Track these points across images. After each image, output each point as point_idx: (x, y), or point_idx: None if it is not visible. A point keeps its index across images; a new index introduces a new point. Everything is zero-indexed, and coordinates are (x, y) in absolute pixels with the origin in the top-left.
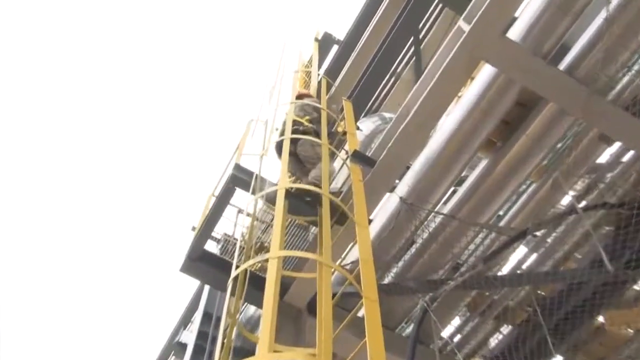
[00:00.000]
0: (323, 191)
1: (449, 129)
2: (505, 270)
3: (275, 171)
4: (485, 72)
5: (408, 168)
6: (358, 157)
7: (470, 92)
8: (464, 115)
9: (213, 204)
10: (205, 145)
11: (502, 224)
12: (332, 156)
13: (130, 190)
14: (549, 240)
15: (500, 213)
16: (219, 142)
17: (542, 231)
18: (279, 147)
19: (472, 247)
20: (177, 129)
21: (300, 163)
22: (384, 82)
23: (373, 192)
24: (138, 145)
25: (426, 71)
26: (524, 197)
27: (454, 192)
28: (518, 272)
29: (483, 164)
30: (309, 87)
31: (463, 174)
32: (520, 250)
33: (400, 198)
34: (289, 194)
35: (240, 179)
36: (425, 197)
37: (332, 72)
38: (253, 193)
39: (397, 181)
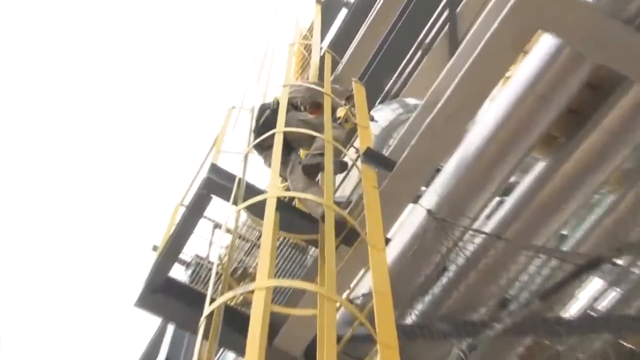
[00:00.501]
0: (326, 201)
1: (494, 121)
2: (572, 311)
3: (264, 174)
4: (544, 45)
5: (438, 171)
6: (372, 157)
7: (523, 72)
8: (514, 102)
9: (182, 217)
10: (173, 138)
11: (566, 247)
12: (339, 155)
13: (69, 190)
14: (635, 271)
15: (564, 232)
16: (191, 134)
17: (625, 259)
18: (259, 144)
19: (524, 278)
20: (135, 115)
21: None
22: (407, 57)
23: (392, 203)
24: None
25: (463, 43)
26: (598, 211)
27: (500, 203)
28: (591, 314)
29: (540, 167)
30: (308, 64)
31: (512, 180)
32: (594, 284)
33: (428, 211)
34: (281, 204)
35: (218, 183)
36: (461, 209)
37: (339, 45)
38: (235, 203)
39: (423, 188)
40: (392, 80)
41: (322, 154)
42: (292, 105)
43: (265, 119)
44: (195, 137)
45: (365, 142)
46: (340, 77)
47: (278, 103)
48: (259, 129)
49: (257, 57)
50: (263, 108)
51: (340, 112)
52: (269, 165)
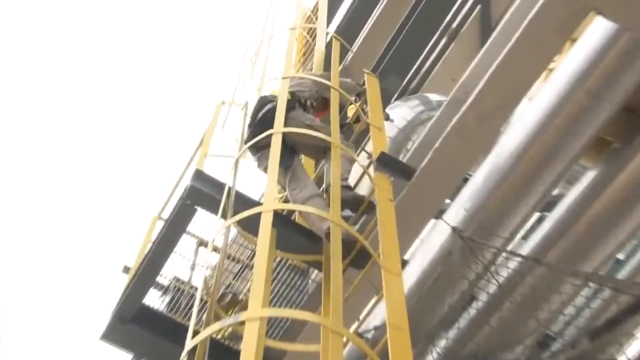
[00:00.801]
0: (331, 216)
1: (534, 121)
2: (630, 353)
3: (258, 180)
4: (596, 31)
5: (466, 181)
6: (387, 163)
7: (570, 63)
8: (558, 99)
9: (160, 232)
10: (151, 138)
11: (622, 275)
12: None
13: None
14: None
15: (620, 257)
16: (172, 133)
17: None
18: (254, 146)
19: (570, 311)
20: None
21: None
22: (429, 45)
23: (410, 219)
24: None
25: (498, 28)
26: None
27: (541, 220)
28: None
29: (589, 176)
30: (311, 53)
31: (555, 193)
32: None
33: (453, 229)
34: (278, 218)
35: (204, 193)
36: (493, 227)
37: (348, 30)
38: (223, 217)
39: (447, 201)
40: (411, 72)
41: (349, 187)
42: (299, 103)
43: (264, 115)
44: (177, 137)
45: (379, 146)
46: (349, 68)
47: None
48: (255, 126)
49: (251, 44)
50: (263, 102)
51: (351, 111)
52: (264, 169)
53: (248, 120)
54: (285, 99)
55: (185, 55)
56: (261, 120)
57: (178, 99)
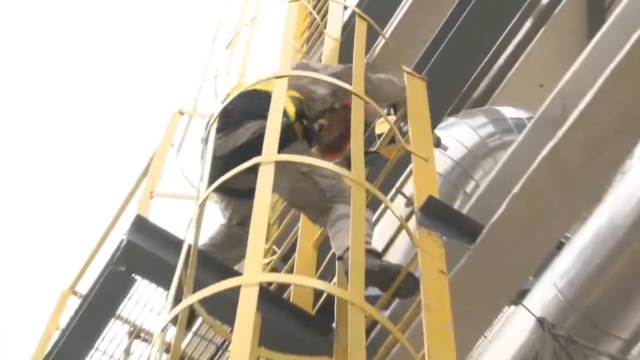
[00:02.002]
0: (352, 295)
1: None
2: None
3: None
4: None
5: (560, 248)
6: (437, 214)
7: None
8: None
9: (73, 317)
10: (68, 161)
11: None
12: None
13: None
14: None
15: None
16: (102, 156)
17: None
18: (217, 168)
19: None
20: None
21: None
22: (504, 32)
23: (473, 303)
24: None
25: (616, 12)
26: None
27: None
28: None
29: None
30: (320, 37)
31: None
32: None
33: (540, 321)
34: (266, 296)
35: (147, 253)
36: (604, 322)
37: (379, 3)
38: (178, 296)
39: (530, 278)
40: (475, 73)
41: (376, 252)
42: (303, 125)
43: (250, 142)
44: (106, 164)
45: (425, 187)
46: (378, 64)
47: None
48: (236, 153)
49: (225, 25)
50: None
51: (381, 128)
52: (237, 218)
53: (219, 140)
54: (280, 112)
55: (122, 42)
56: (244, 149)
57: (110, 106)
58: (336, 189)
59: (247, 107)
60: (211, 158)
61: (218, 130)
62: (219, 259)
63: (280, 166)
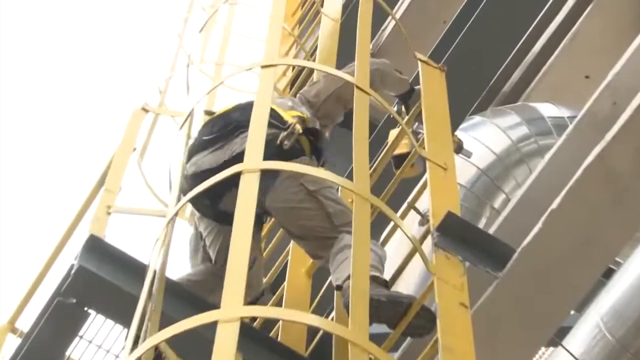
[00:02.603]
0: (353, 334)
1: None
2: None
3: None
4: None
5: (608, 277)
6: (458, 235)
7: None
8: None
9: (15, 356)
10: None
11: None
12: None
13: None
14: None
15: None
16: (44, 165)
17: None
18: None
19: None
20: None
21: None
22: (541, 12)
23: (502, 343)
24: None
25: None
26: None
27: None
28: None
29: None
30: (316, 18)
31: None
32: None
33: None
34: (249, 333)
35: (103, 281)
36: None
37: None
38: (136, 338)
39: (572, 312)
40: (506, 62)
41: (383, 281)
42: (311, 133)
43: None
44: (56, 170)
45: (444, 201)
46: (386, 51)
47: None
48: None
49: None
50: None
51: (402, 148)
52: (225, 255)
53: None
54: (266, 116)
55: (72, 20)
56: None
57: (56, 100)
58: (345, 217)
59: (243, 118)
60: (198, 172)
61: (208, 144)
62: None
63: (279, 180)
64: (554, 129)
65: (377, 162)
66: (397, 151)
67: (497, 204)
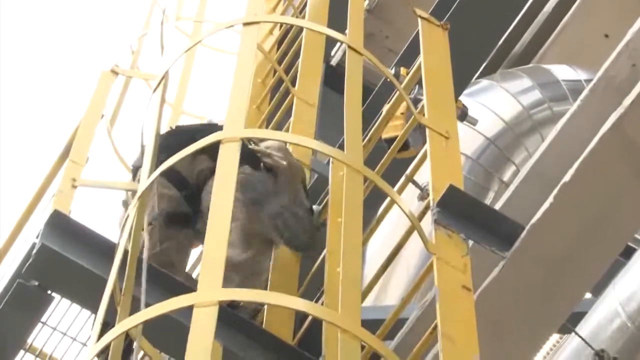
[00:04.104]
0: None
1: None
2: None
3: None
4: None
5: (628, 257)
6: (460, 211)
7: None
8: None
9: None
10: None
11: None
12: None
13: None
14: None
15: None
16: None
17: None
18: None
19: None
20: None
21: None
22: None
23: (509, 329)
24: None
25: None
26: None
27: None
28: None
29: None
30: None
31: None
32: None
33: (600, 355)
34: (228, 319)
35: (68, 262)
36: None
37: None
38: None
39: (588, 295)
40: (517, 19)
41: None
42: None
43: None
44: (17, 140)
45: (445, 173)
46: (385, 6)
47: None
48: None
49: None
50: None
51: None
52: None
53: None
54: (250, 79)
55: None
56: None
57: (16, 62)
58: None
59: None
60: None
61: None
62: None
63: None
64: (569, 94)
65: (372, 130)
66: (385, 134)
67: (506, 176)
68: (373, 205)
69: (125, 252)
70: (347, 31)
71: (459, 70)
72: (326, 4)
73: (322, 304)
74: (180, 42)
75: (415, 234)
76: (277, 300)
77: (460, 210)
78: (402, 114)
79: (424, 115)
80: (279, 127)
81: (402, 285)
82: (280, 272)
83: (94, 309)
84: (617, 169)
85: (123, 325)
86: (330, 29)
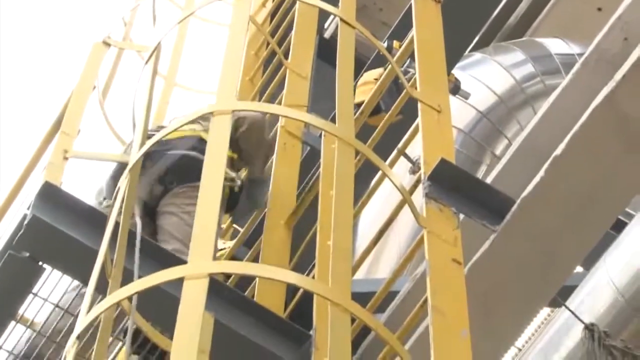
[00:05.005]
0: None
1: None
2: None
3: None
4: None
5: (619, 230)
6: (452, 184)
7: None
8: None
9: None
10: None
11: None
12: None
13: None
14: None
15: None
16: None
17: None
18: None
19: None
20: None
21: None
22: None
23: (499, 303)
24: None
25: None
26: None
27: None
28: None
29: None
30: None
31: None
32: None
33: (589, 328)
34: (220, 291)
35: (59, 233)
36: None
37: None
38: (99, 288)
39: (579, 269)
40: None
41: None
42: None
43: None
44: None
45: (437, 147)
46: None
47: None
48: None
49: None
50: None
51: (363, 94)
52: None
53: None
54: (240, 55)
55: None
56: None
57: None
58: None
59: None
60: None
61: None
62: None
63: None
64: (562, 68)
65: (364, 104)
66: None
67: (498, 150)
68: (365, 178)
69: (117, 224)
70: (340, 4)
71: (451, 44)
72: None
73: (313, 277)
74: (173, 14)
75: (406, 207)
76: (268, 273)
77: (452, 183)
78: (375, 79)
79: (416, 88)
80: (271, 99)
81: (394, 258)
82: (272, 245)
83: (85, 281)
84: (608, 142)
85: (113, 297)
86: (322, 1)
